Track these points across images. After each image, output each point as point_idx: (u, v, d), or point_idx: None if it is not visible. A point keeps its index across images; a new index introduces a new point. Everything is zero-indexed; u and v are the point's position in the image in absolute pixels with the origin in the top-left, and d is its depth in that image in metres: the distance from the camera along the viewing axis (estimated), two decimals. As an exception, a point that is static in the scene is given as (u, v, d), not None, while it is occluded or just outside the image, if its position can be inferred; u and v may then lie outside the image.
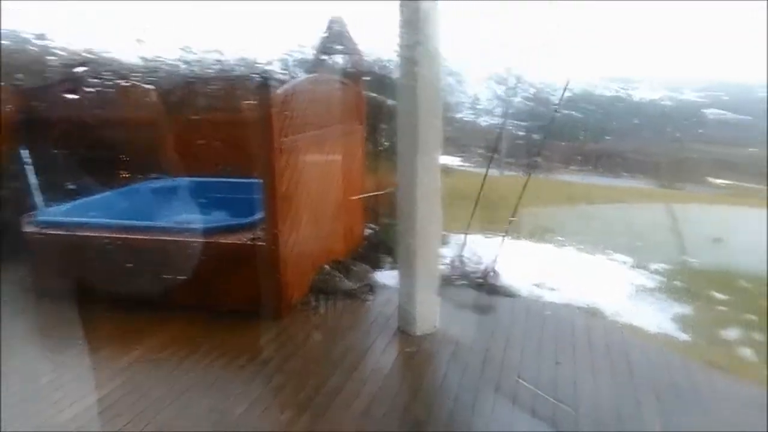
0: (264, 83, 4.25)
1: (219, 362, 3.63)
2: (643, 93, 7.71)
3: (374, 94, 6.57)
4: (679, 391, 3.32)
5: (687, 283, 4.80)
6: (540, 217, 6.08)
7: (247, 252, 4.14)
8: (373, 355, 3.77)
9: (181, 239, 4.27)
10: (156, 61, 7.21)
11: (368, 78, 6.56)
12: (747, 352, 4.02)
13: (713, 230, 5.25)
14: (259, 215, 4.25)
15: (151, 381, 3.41)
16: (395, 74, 4.10)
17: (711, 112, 6.81)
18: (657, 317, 4.39)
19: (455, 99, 9.04)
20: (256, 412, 3.08)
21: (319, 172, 4.87)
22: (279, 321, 4.13)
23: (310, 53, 7.53)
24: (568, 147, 7.66)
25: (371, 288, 4.68)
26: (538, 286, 4.73)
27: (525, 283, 4.70)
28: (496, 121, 8.65)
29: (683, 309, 4.55)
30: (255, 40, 7.45)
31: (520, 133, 8.26)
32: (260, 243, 4.13)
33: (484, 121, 8.96)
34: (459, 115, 8.92)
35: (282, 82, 5.07)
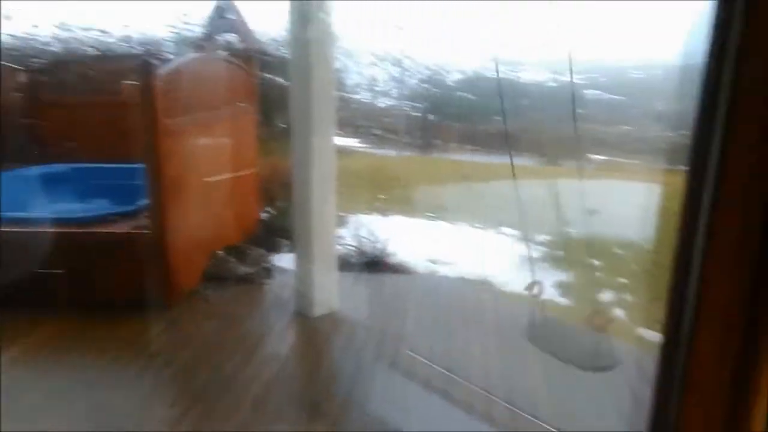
0: (146, 62, 4.00)
1: (103, 359, 3.42)
2: (529, 75, 8.09)
3: (269, 75, 6.41)
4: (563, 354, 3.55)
5: (567, 252, 5.14)
6: (435, 195, 6.24)
7: (131, 241, 3.91)
8: (270, 340, 3.71)
9: (56, 231, 3.95)
10: (26, 38, 6.60)
11: (261, 57, 6.38)
12: (620, 313, 4.39)
13: (590, 203, 5.64)
14: (143, 202, 4.02)
15: (25, 384, 3.15)
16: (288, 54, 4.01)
17: (589, 93, 7.27)
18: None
19: (352, 80, 9.03)
20: (143, 408, 2.94)
21: (209, 155, 4.68)
22: (168, 312, 3.95)
23: (197, 31, 7.20)
24: (461, 127, 7.89)
25: (268, 272, 4.60)
26: (433, 261, 4.86)
27: (421, 260, 4.82)
28: (393, 102, 8.76)
29: (564, 276, 4.88)
30: (138, 17, 7.01)
31: (416, 114, 8.40)
32: (145, 231, 3.91)
33: (381, 102, 9.03)
34: (356, 97, 8.92)
35: (166, 60, 4.81)
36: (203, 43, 6.52)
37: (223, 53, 6.05)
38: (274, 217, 5.42)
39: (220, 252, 4.53)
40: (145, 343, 3.59)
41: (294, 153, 3.89)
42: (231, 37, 6.67)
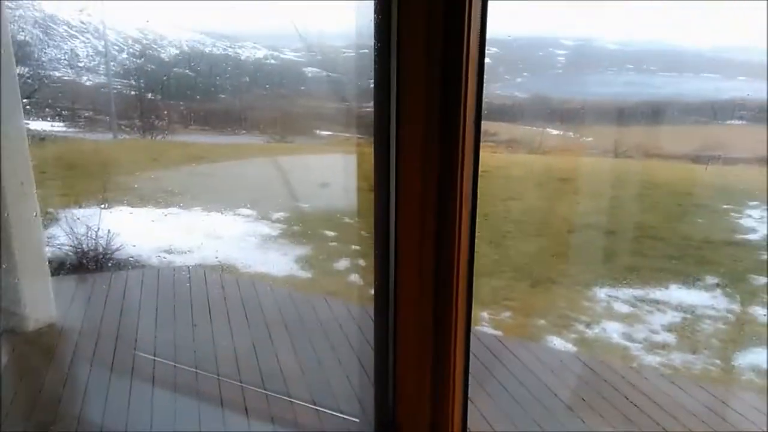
0: None
1: None
2: (248, 52, 8.03)
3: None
4: (304, 323, 3.72)
5: (303, 226, 5.34)
6: (163, 180, 5.83)
7: None
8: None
9: None
10: None
11: None
12: (355, 278, 4.75)
13: (320, 177, 5.93)
14: None
15: None
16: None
17: (309, 71, 7.55)
18: (282, 261, 4.78)
19: (48, 55, 7.82)
20: None
21: None
22: None
23: None
24: (184, 107, 7.50)
25: (-43, 291, 3.77)
26: (168, 252, 4.58)
27: (153, 251, 4.49)
28: (102, 80, 7.86)
29: (303, 250, 5.07)
30: None
31: (132, 93, 7.71)
32: None
33: (87, 80, 8.04)
34: (56, 74, 7.77)
35: None
36: None
37: None
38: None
39: None
40: None
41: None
42: None
